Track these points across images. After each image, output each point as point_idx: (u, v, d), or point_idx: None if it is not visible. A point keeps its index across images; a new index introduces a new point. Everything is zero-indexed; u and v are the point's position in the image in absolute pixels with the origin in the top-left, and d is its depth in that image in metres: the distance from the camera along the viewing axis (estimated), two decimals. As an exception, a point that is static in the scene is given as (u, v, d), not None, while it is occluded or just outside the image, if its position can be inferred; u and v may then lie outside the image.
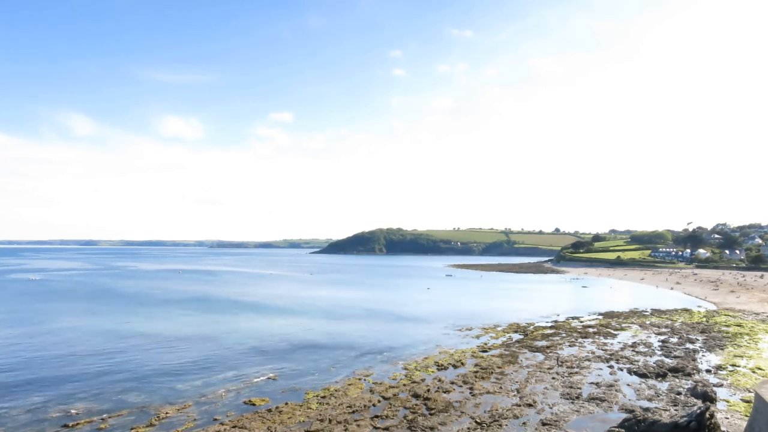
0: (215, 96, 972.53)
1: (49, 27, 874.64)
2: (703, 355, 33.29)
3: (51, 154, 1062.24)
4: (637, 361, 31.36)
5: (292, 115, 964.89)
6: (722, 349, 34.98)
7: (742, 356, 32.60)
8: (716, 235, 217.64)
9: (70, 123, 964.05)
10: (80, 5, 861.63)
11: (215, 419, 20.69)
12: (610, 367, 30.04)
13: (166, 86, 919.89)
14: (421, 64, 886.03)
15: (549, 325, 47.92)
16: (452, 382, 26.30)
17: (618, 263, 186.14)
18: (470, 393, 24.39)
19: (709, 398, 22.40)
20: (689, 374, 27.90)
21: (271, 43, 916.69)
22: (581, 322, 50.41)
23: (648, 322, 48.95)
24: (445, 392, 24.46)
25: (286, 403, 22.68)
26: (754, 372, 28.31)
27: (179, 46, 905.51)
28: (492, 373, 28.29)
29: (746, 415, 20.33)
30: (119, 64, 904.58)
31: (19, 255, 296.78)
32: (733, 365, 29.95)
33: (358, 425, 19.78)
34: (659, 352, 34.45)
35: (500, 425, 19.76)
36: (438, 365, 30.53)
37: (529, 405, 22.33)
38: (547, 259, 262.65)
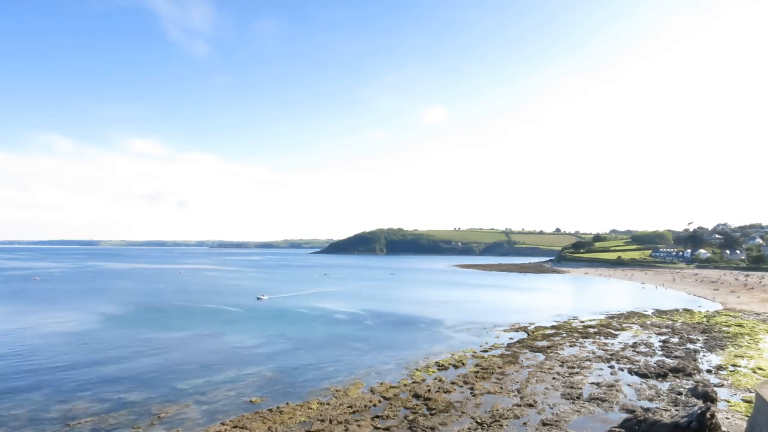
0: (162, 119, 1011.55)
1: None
2: (703, 356, 33.24)
3: (41, 166, 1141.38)
4: (638, 362, 31.33)
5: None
6: (723, 350, 34.93)
7: (742, 356, 32.56)
8: (717, 235, 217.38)
9: (50, 140, 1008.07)
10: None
11: (216, 419, 20.71)
12: (611, 367, 30.02)
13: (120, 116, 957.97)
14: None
15: (550, 325, 47.91)
16: (453, 383, 26.28)
17: (618, 263, 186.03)
18: (471, 393, 24.38)
19: (709, 398, 22.38)
20: (690, 374, 27.87)
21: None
22: (582, 322, 50.36)
23: (649, 322, 48.90)
24: (445, 392, 24.45)
25: (287, 403, 22.70)
26: (754, 372, 28.29)
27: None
28: (493, 373, 28.27)
29: (747, 416, 20.30)
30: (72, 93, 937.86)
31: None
32: (733, 365, 29.92)
33: (359, 425, 19.77)
34: (660, 353, 34.42)
35: (501, 425, 19.75)
36: (439, 365, 30.52)
37: (530, 405, 22.31)
38: (547, 259, 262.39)
